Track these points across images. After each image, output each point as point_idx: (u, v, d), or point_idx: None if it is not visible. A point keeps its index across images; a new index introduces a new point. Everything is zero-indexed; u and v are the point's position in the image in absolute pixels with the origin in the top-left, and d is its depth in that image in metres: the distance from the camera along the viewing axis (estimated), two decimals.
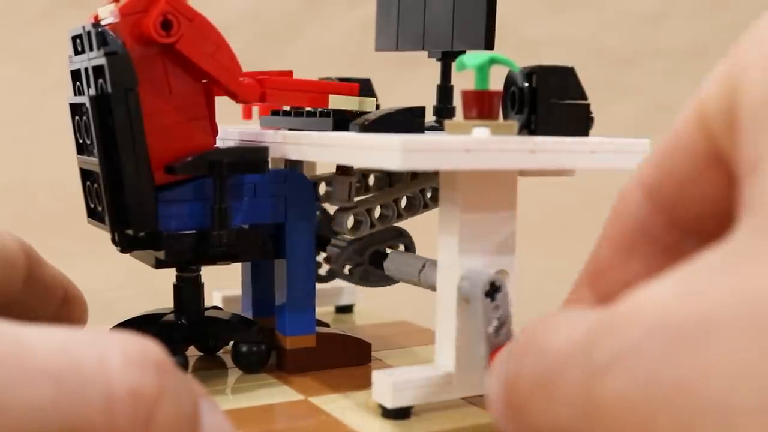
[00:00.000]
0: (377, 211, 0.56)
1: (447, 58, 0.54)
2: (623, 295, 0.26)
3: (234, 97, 0.49)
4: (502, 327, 0.41)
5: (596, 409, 0.25)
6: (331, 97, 0.51)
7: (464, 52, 0.50)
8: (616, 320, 0.25)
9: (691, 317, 0.23)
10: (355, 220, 0.55)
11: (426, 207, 0.57)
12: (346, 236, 0.56)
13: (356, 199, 0.56)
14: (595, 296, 0.37)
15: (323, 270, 0.64)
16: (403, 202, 0.57)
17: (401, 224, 0.57)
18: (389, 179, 0.57)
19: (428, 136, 0.42)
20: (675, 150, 0.33)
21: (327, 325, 0.56)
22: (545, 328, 0.29)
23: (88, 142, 0.47)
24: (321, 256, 0.59)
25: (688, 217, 0.33)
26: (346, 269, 0.57)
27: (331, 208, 0.58)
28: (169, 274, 0.51)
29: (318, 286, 0.53)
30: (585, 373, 0.26)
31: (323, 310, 0.65)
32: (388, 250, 0.56)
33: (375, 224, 0.55)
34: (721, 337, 0.22)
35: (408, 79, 1.30)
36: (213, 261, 0.49)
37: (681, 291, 0.24)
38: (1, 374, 0.23)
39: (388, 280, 0.57)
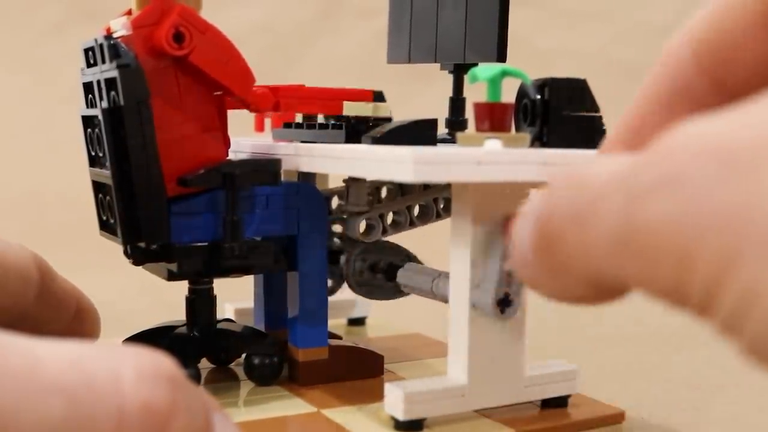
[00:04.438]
0: (389, 217, 0.56)
1: (459, 71, 0.54)
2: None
3: (248, 106, 0.49)
4: None
5: (634, 238, 0.23)
6: (345, 103, 0.51)
7: (476, 64, 0.50)
8: (663, 149, 0.23)
9: (747, 143, 0.21)
10: (367, 224, 0.55)
11: (438, 216, 0.57)
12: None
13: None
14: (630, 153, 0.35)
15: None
16: (416, 209, 0.56)
17: (414, 233, 0.57)
18: (401, 191, 0.57)
19: (440, 149, 0.42)
20: (728, 5, 0.31)
21: (339, 338, 0.56)
22: (584, 166, 0.27)
23: (101, 155, 0.47)
24: None
25: (736, 80, 0.32)
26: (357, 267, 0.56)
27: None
28: (182, 287, 0.51)
29: (330, 298, 0.53)
30: (626, 198, 0.24)
31: (335, 323, 0.65)
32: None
33: (387, 230, 0.55)
34: None
35: (420, 91, 1.30)
36: (225, 273, 0.49)
37: (735, 121, 0.22)
38: (14, 390, 0.23)
39: (390, 294, 0.57)
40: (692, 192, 0.22)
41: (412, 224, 0.56)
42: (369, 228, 0.55)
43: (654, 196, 0.23)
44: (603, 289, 0.27)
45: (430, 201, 0.56)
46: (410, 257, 0.57)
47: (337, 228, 0.57)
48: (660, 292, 0.23)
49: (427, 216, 0.57)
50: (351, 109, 0.50)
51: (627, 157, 0.25)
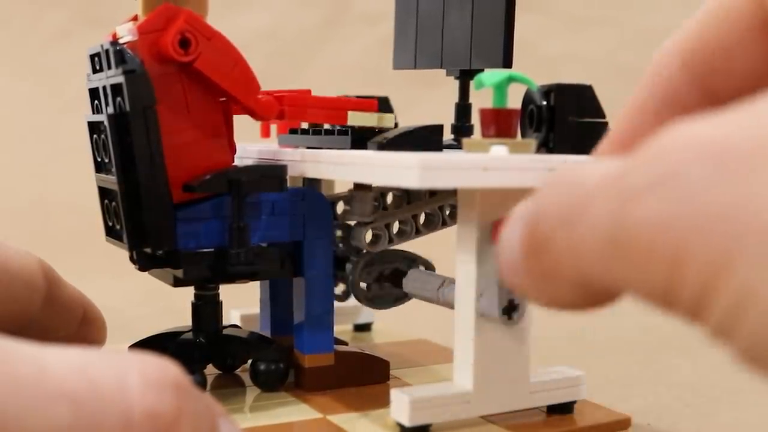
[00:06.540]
0: (395, 227, 0.56)
1: (465, 77, 0.54)
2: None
3: (253, 114, 0.49)
4: None
5: (624, 240, 0.23)
6: (350, 113, 0.51)
7: (482, 70, 0.50)
8: (655, 149, 0.23)
9: (741, 144, 0.21)
10: (373, 234, 0.55)
11: (444, 224, 0.57)
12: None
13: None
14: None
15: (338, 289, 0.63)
16: (422, 218, 0.56)
17: (420, 240, 0.57)
18: (407, 197, 0.57)
19: (446, 155, 0.42)
20: (719, 15, 0.31)
21: (345, 344, 0.56)
22: (575, 168, 0.26)
23: (106, 161, 0.47)
24: None
25: (726, 90, 0.31)
26: (363, 284, 0.56)
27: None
28: (188, 293, 0.51)
29: (336, 304, 0.53)
30: (616, 200, 0.23)
31: (341, 329, 0.65)
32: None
33: (393, 239, 0.55)
34: None
35: (426, 97, 1.30)
36: (231, 279, 0.49)
37: (729, 122, 0.22)
38: (21, 397, 0.23)
39: (395, 301, 0.57)
40: (684, 193, 0.21)
41: (418, 233, 0.56)
42: (375, 238, 0.55)
43: (645, 197, 0.22)
44: (593, 294, 0.26)
45: (436, 209, 0.56)
46: (416, 261, 0.57)
47: (339, 233, 0.57)
48: (651, 295, 0.23)
49: (433, 224, 0.57)
50: (355, 119, 0.50)
51: (618, 159, 0.25)
